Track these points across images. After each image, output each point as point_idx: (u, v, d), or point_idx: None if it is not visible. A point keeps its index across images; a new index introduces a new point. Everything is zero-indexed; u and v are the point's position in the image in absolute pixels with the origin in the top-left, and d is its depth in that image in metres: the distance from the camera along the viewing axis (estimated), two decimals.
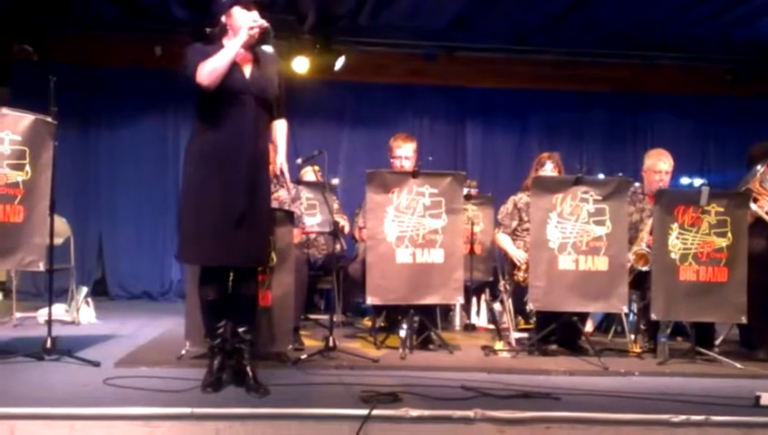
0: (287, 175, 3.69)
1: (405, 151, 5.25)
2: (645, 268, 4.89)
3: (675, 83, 8.31)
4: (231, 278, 3.61)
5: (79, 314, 5.75)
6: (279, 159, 3.65)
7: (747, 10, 6.56)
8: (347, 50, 7.55)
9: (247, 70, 3.50)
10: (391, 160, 5.32)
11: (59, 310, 5.66)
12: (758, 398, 3.50)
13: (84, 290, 5.97)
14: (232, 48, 3.38)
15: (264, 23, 3.45)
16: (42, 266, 4.20)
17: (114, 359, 4.13)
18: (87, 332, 5.31)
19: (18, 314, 5.74)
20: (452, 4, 6.77)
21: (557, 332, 4.77)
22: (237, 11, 3.47)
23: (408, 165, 5.15)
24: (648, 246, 4.90)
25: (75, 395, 3.34)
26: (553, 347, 4.77)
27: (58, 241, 5.37)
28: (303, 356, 4.29)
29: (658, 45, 7.69)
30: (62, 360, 4.07)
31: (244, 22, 3.42)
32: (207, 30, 3.60)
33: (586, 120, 8.41)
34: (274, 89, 3.57)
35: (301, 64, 7.43)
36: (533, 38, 7.54)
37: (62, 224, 5.75)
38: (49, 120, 4.21)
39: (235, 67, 3.41)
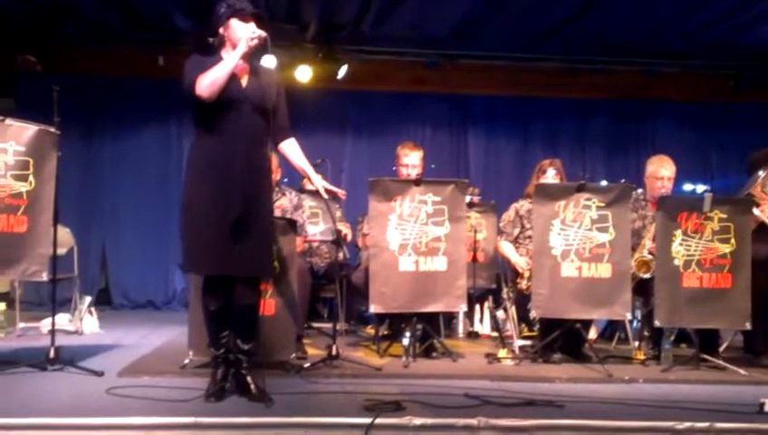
0: (334, 188, 3.80)
1: (412, 160, 5.27)
2: (647, 276, 4.87)
3: (677, 90, 8.31)
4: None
5: (82, 323, 5.75)
6: (316, 180, 3.73)
7: (749, 17, 6.56)
8: (349, 58, 7.57)
9: (244, 80, 3.51)
10: (398, 168, 5.33)
11: (62, 320, 5.67)
12: (762, 404, 3.49)
13: (87, 300, 5.97)
14: (232, 59, 3.39)
15: (263, 33, 3.46)
16: (45, 277, 4.20)
17: (117, 369, 4.13)
18: (90, 341, 5.31)
19: (22, 325, 5.75)
20: (454, 12, 6.78)
21: (561, 339, 4.75)
22: (235, 23, 3.48)
23: (416, 173, 5.16)
24: (651, 253, 4.89)
25: (78, 405, 3.34)
26: (557, 355, 4.75)
27: (61, 251, 5.40)
28: (307, 365, 4.28)
29: (660, 53, 7.69)
30: (65, 370, 4.08)
31: (243, 33, 3.43)
32: (210, 40, 3.62)
33: (588, 128, 8.42)
34: (271, 97, 3.57)
35: (303, 73, 7.46)
36: (535, 46, 7.56)
37: (65, 234, 5.77)
38: (52, 130, 4.23)
39: (231, 77, 3.42)
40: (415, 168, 5.23)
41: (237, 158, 3.42)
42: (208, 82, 3.35)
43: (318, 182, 3.75)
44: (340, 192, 3.87)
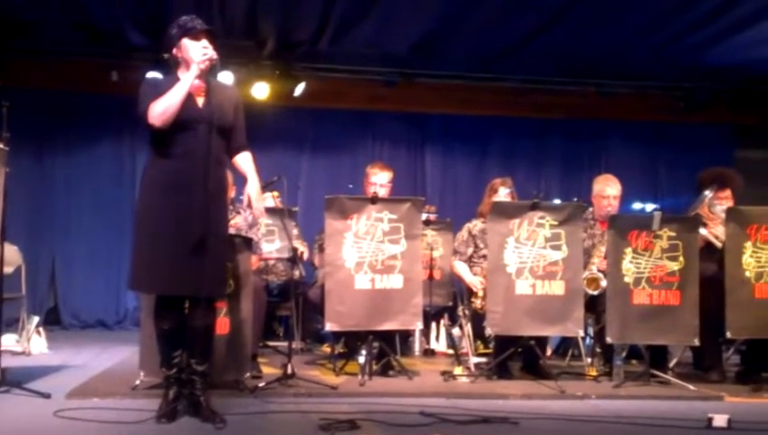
0: (255, 204, 3.59)
1: (380, 179, 5.31)
2: (596, 292, 4.94)
3: (629, 110, 8.48)
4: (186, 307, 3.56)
5: (30, 344, 5.60)
6: (248, 189, 3.59)
7: (699, 39, 6.75)
8: (307, 76, 7.57)
9: (200, 99, 3.48)
10: (366, 187, 5.35)
11: (9, 340, 5.51)
12: (711, 419, 3.56)
13: (35, 319, 5.82)
14: (183, 85, 3.37)
15: (213, 54, 3.43)
16: None
17: (66, 390, 4.03)
18: (38, 362, 5.18)
19: None
20: (412, 31, 6.85)
21: (516, 356, 4.80)
22: (187, 42, 3.45)
23: (384, 193, 5.17)
24: (600, 271, 4.97)
25: (24, 428, 3.26)
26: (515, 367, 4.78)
27: (9, 270, 5.26)
28: (261, 384, 4.24)
29: (613, 73, 7.86)
30: (11, 392, 3.96)
31: (195, 55, 3.41)
32: (165, 56, 3.59)
33: (543, 147, 8.54)
34: (228, 117, 3.55)
35: (260, 90, 7.42)
36: (492, 65, 7.66)
37: (13, 252, 5.62)
38: (0, 146, 4.14)
39: (188, 97, 3.39)
40: (383, 187, 5.27)
41: (197, 178, 3.38)
42: (160, 111, 3.32)
43: (250, 189, 3.59)
44: (257, 211, 3.71)
